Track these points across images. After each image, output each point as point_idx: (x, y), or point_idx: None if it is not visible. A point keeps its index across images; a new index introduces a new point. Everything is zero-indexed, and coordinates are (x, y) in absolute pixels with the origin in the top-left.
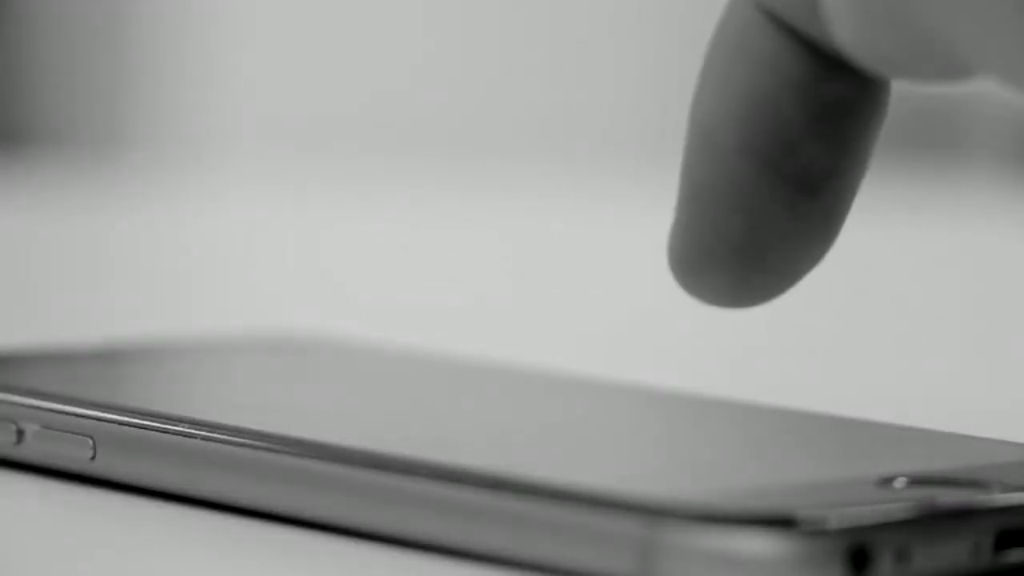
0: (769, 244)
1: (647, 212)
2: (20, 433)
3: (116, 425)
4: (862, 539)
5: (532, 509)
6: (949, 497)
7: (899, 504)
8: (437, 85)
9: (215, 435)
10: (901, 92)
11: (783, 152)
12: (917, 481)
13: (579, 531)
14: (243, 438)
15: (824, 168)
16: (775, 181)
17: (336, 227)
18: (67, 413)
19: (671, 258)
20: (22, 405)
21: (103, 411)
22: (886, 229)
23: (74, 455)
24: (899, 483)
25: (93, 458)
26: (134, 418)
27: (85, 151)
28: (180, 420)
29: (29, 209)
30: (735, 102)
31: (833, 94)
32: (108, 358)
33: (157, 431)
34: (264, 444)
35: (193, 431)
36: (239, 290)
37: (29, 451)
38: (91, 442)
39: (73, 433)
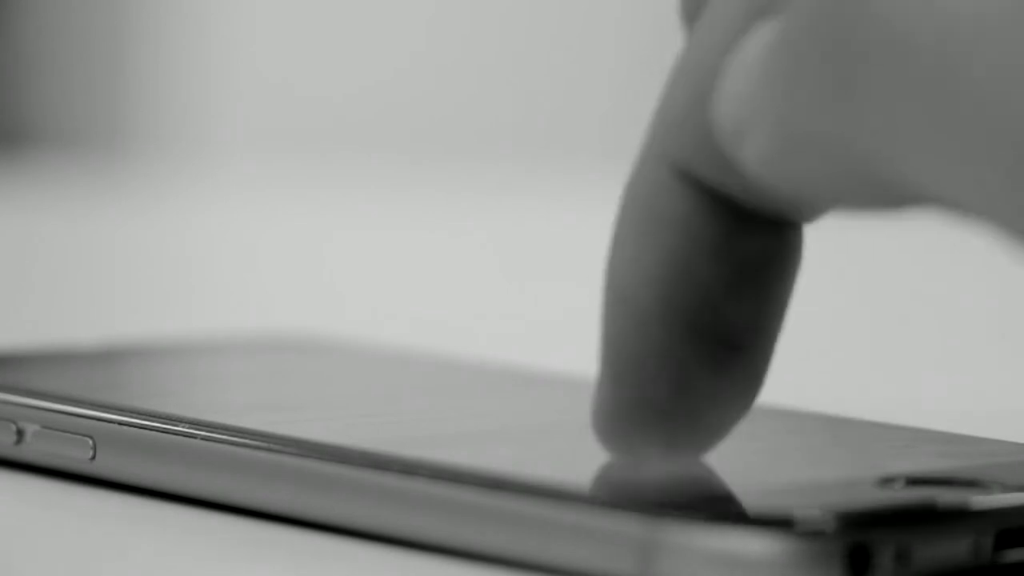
0: (697, 405)
1: None
2: (20, 433)
3: (116, 425)
4: (862, 539)
5: (532, 509)
6: (949, 497)
7: (899, 504)
8: (438, 88)
9: (215, 435)
10: None
11: (704, 313)
12: (917, 481)
13: (579, 531)
14: (243, 438)
15: (746, 322)
16: (698, 343)
17: (336, 228)
18: (67, 413)
19: (595, 422)
20: (22, 405)
21: (103, 411)
22: (885, 229)
23: (74, 455)
24: (899, 483)
25: (93, 458)
26: (134, 418)
27: (86, 151)
28: (180, 420)
29: (29, 209)
30: (652, 266)
31: (750, 249)
32: (108, 358)
33: (157, 431)
34: (264, 444)
35: (193, 431)
36: (239, 291)
37: (29, 451)
38: (91, 442)
39: (73, 433)
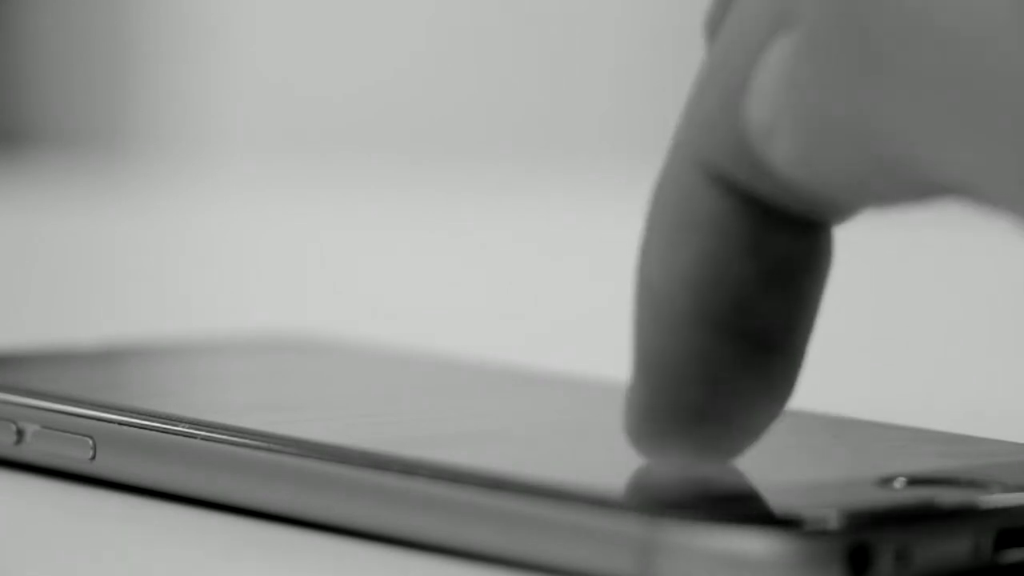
0: (731, 407)
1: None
2: (20, 433)
3: (116, 425)
4: (862, 539)
5: (532, 509)
6: (949, 497)
7: (899, 504)
8: (438, 88)
9: (215, 435)
10: None
11: (738, 314)
12: (917, 481)
13: (579, 531)
14: (243, 438)
15: (778, 323)
16: (731, 344)
17: (335, 228)
18: (67, 413)
19: (628, 426)
20: (22, 405)
21: (103, 411)
22: (885, 229)
23: (74, 455)
24: (899, 483)
25: (93, 458)
26: (134, 418)
27: (86, 151)
28: (180, 420)
29: (29, 209)
30: (685, 268)
31: (782, 249)
32: (108, 358)
33: (157, 431)
34: (264, 444)
35: (193, 431)
36: (239, 291)
37: (29, 451)
38: (91, 442)
39: (73, 433)
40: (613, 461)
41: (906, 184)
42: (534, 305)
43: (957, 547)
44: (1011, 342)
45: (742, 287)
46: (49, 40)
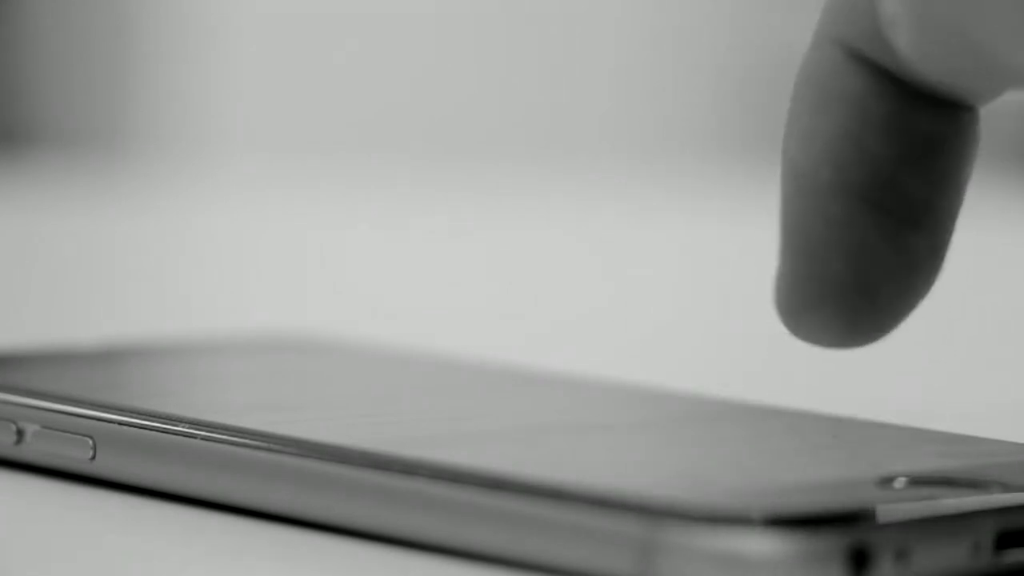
0: (876, 283)
1: (645, 213)
2: (20, 433)
3: (116, 425)
4: (862, 539)
5: (532, 509)
6: (949, 497)
7: (899, 504)
8: (439, 88)
9: (215, 435)
10: None
11: (880, 189)
12: (917, 481)
13: (579, 531)
14: (243, 438)
15: (922, 201)
16: (876, 219)
17: (335, 228)
18: (67, 413)
19: (778, 304)
20: (22, 405)
21: (103, 411)
22: None
23: (74, 455)
24: (899, 483)
25: (93, 458)
26: (134, 418)
27: (86, 151)
28: (180, 420)
29: (29, 209)
30: (827, 143)
31: (923, 127)
32: (108, 358)
33: (157, 431)
34: (264, 444)
35: (193, 431)
36: (239, 291)
37: (29, 451)
38: (91, 442)
39: (73, 433)
40: (613, 461)
41: (995, 71)
42: (534, 305)
43: (957, 547)
44: (1011, 342)
45: (883, 164)
46: (49, 40)
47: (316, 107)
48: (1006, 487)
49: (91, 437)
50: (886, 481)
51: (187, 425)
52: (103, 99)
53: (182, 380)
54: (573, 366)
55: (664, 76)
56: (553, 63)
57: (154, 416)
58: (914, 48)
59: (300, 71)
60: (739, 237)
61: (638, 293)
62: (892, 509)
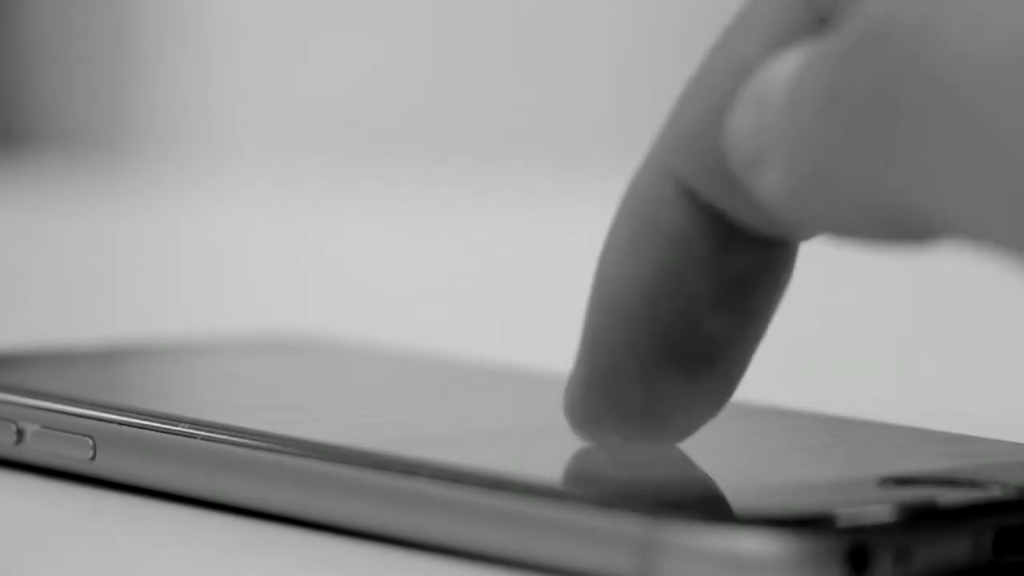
0: (665, 411)
1: None
2: (20, 433)
3: (116, 425)
4: (862, 539)
5: (532, 509)
6: (949, 497)
7: (899, 504)
8: (439, 88)
9: (215, 435)
10: None
11: (686, 327)
12: (917, 481)
13: (579, 531)
14: (243, 438)
15: (725, 338)
16: (675, 354)
17: (335, 228)
18: (67, 413)
19: (567, 406)
20: (22, 405)
21: (103, 411)
22: None
23: (74, 455)
24: (899, 483)
25: (93, 458)
26: (134, 418)
27: (86, 151)
28: (180, 420)
29: (29, 209)
30: (642, 274)
31: (741, 266)
32: (108, 358)
33: (157, 431)
34: (264, 444)
35: (193, 431)
36: (239, 291)
37: (29, 451)
38: (91, 442)
39: (73, 433)
40: (613, 461)
41: (904, 229)
42: (534, 305)
43: (957, 547)
44: (1011, 342)
45: (696, 301)
46: (49, 40)
47: (316, 107)
48: (1006, 487)
49: (91, 437)
50: (886, 481)
51: (187, 425)
52: (103, 99)
53: (182, 380)
54: (570, 366)
55: (664, 76)
56: (553, 62)
57: (154, 416)
58: (783, 191)
59: (300, 71)
60: None
61: None
62: (892, 509)
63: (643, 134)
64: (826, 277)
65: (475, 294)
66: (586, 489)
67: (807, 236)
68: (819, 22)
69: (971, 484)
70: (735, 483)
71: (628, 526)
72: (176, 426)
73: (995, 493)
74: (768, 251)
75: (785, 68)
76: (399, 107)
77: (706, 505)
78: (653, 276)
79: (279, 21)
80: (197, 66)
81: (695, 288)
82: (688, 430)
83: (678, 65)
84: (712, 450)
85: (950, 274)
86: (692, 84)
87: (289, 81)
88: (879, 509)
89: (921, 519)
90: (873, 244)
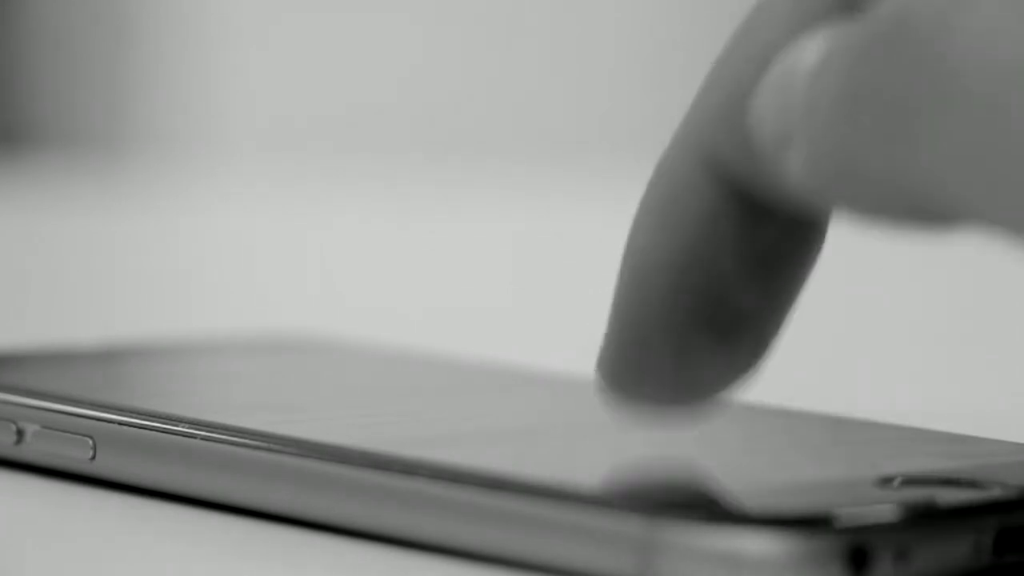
0: (696, 377)
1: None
2: (20, 433)
3: (116, 425)
4: (862, 539)
5: (532, 509)
6: (949, 497)
7: (899, 504)
8: (439, 88)
9: (215, 435)
10: None
11: (715, 303)
12: (917, 481)
13: (579, 531)
14: (243, 438)
15: (754, 313)
16: (706, 322)
17: (335, 228)
18: (67, 413)
19: (601, 370)
20: (22, 405)
21: (103, 411)
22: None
23: (74, 455)
24: (899, 483)
25: (93, 458)
26: (134, 418)
27: (86, 151)
28: (180, 420)
29: (29, 209)
30: (671, 249)
31: (769, 243)
32: (108, 358)
33: (157, 431)
34: (264, 444)
35: (193, 431)
36: (239, 291)
37: (29, 451)
38: (91, 442)
39: (73, 433)
40: (613, 461)
41: (923, 215)
42: (534, 305)
43: (957, 547)
44: (1011, 342)
45: (722, 279)
46: (49, 40)
47: (316, 107)
48: (1006, 487)
49: (91, 437)
50: (886, 481)
51: (187, 425)
52: (103, 99)
53: (182, 380)
54: (573, 366)
55: (664, 76)
56: (553, 62)
57: (154, 416)
58: (807, 173)
59: (300, 71)
60: None
61: None
62: (892, 509)
63: (644, 134)
64: (826, 277)
65: (475, 294)
66: (586, 489)
67: (832, 215)
68: (846, 4)
69: (971, 484)
70: (735, 483)
71: (628, 526)
72: (176, 426)
73: (995, 493)
74: (795, 228)
75: (809, 54)
76: (399, 107)
77: (706, 505)
78: (680, 254)
79: (279, 21)
80: (197, 66)
81: (723, 267)
82: (718, 396)
83: (679, 65)
84: (712, 450)
85: (950, 274)
86: (720, 62)
87: (289, 81)
88: (879, 509)
89: (921, 519)
90: (895, 227)
